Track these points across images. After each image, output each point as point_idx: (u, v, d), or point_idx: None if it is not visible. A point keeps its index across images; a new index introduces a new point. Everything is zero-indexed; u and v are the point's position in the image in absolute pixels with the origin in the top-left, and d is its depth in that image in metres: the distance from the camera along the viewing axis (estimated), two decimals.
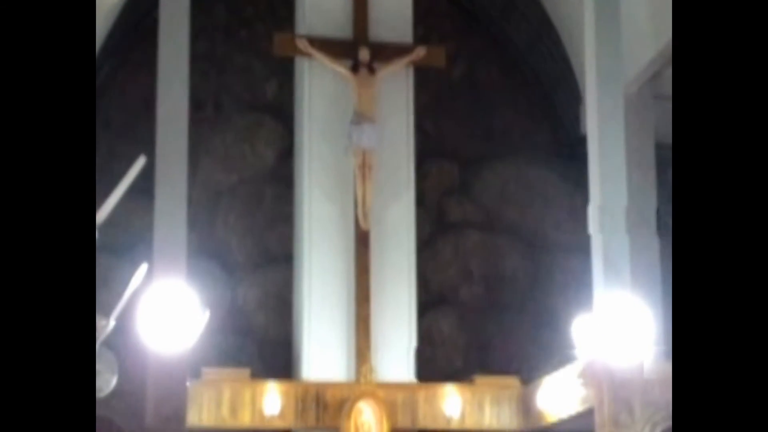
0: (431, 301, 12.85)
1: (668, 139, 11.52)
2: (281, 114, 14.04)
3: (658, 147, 12.67)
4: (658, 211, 12.32)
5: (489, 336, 13.00)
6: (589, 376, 9.54)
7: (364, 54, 12.61)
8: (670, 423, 8.94)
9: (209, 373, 11.00)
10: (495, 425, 11.41)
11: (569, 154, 14.01)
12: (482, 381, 11.57)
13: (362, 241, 12.11)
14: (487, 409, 11.40)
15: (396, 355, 11.65)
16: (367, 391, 10.99)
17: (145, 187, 8.28)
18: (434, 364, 12.07)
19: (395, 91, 13.03)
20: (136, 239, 11.30)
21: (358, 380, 11.17)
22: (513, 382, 11.58)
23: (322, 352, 11.53)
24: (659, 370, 9.35)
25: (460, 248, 13.75)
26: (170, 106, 10.39)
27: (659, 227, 12.30)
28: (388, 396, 11.06)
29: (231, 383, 11.02)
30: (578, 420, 10.16)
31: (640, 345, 9.22)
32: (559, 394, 10.39)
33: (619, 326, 9.13)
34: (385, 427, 10.80)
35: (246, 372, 11.20)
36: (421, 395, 11.35)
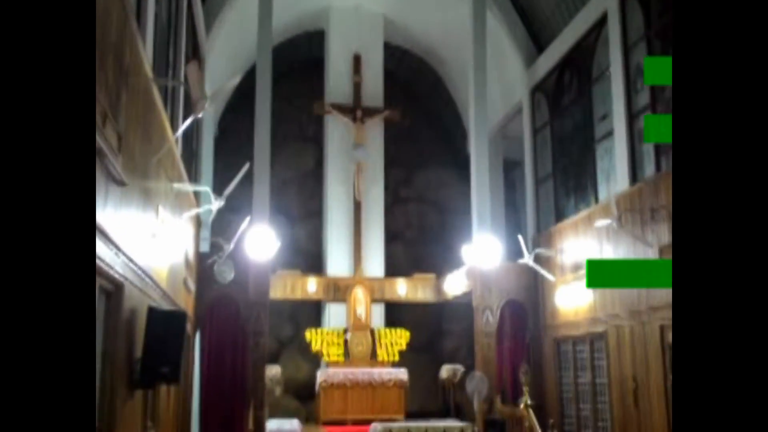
0: (390, 238, 16.22)
1: (512, 158, 15.61)
2: (316, 142, 16.57)
3: (506, 164, 15.92)
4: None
5: (421, 256, 16.66)
6: (470, 273, 13.42)
7: (359, 113, 15.29)
8: (510, 298, 12.04)
9: (280, 273, 14.78)
10: (422, 298, 15.44)
11: (462, 166, 15.49)
12: (417, 277, 15.52)
13: (357, 206, 15.23)
14: (419, 291, 15.44)
15: (374, 263, 15.35)
16: (359, 281, 14.95)
17: (249, 178, 10.94)
18: (393, 268, 15.77)
19: (374, 131, 15.53)
20: (244, 203, 11.73)
21: (354, 276, 15.06)
22: (431, 277, 15.43)
23: (337, 261, 15.18)
24: (503, 268, 11.97)
25: (407, 211, 17.14)
26: (261, 138, 11.78)
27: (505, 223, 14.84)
28: (370, 284, 14.98)
29: (291, 277, 14.82)
30: (464, 297, 14.24)
31: (494, 256, 11.73)
32: (454, 283, 14.39)
33: (484, 249, 12.84)
34: (368, 300, 14.78)
35: (298, 272, 14.94)
36: (386, 283, 15.29)
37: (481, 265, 11.73)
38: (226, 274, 11.05)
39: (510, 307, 12.26)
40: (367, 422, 13.16)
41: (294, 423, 11.04)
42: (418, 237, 16.99)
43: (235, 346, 11.34)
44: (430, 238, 16.95)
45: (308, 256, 15.85)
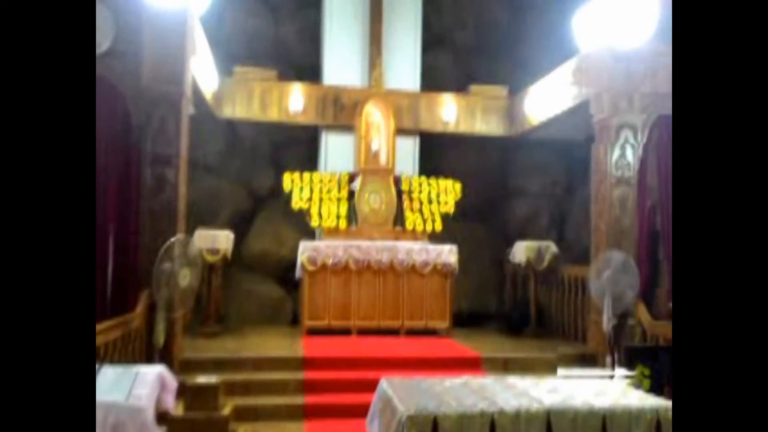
0: (431, 43, 9.57)
1: None
2: None
3: None
4: None
5: (478, 72, 9.86)
6: (587, 70, 7.09)
7: None
8: (666, 110, 6.34)
9: (241, 71, 8.51)
10: (484, 131, 9.16)
11: None
12: (476, 90, 9.14)
13: None
14: (477, 118, 9.12)
15: (403, 74, 8.93)
16: (376, 95, 8.62)
17: None
18: (434, 87, 9.19)
19: None
20: None
21: (369, 86, 8.74)
22: (501, 92, 9.09)
23: (340, 71, 8.75)
24: (659, 58, 6.43)
25: (457, 3, 10.26)
26: None
27: None
28: (395, 101, 8.69)
29: (260, 81, 8.54)
30: (564, 120, 7.90)
31: (641, 34, 6.09)
32: (547, 94, 8.03)
33: (620, 16, 6.42)
34: (391, 127, 8.52)
35: (273, 72, 8.66)
36: (423, 102, 8.96)
37: (613, 46, 6.39)
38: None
39: (665, 131, 6.38)
40: (382, 333, 7.39)
41: (151, 374, 4.31)
42: (474, 42, 10.32)
43: (121, 184, 5.50)
44: (493, 45, 10.26)
45: (299, 69, 9.41)
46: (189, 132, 6.17)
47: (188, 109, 6.06)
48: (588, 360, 6.44)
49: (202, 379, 4.31)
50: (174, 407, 3.83)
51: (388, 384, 3.85)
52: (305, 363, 6.08)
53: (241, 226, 9.19)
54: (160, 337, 4.79)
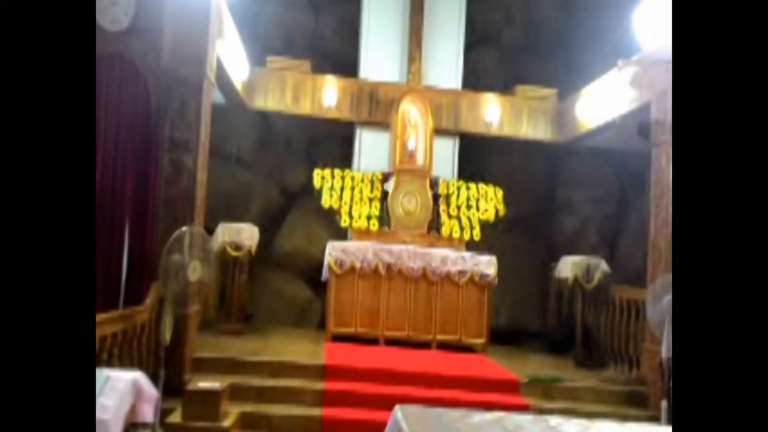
0: (475, 41, 9.05)
1: None
2: None
3: None
4: None
5: (526, 72, 9.21)
6: (648, 70, 6.40)
7: None
8: None
9: (273, 61, 8.11)
10: (530, 135, 8.52)
11: None
12: (522, 91, 8.53)
13: None
14: (523, 121, 8.50)
15: (444, 72, 8.38)
16: (414, 91, 8.09)
17: None
18: (477, 87, 8.63)
19: None
20: None
21: (408, 82, 8.22)
22: (550, 93, 8.44)
23: (378, 66, 8.26)
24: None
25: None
26: None
27: None
28: (434, 99, 8.15)
29: (292, 72, 8.11)
30: (605, 134, 7.24)
31: None
32: (598, 100, 7.41)
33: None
34: (429, 126, 7.98)
35: (307, 64, 8.23)
36: (464, 101, 8.40)
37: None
38: (117, 11, 5.28)
39: None
40: (412, 345, 6.83)
41: (124, 381, 3.60)
42: (522, 41, 9.68)
43: (138, 169, 5.15)
44: (542, 45, 9.62)
45: (336, 63, 8.90)
46: (211, 118, 5.75)
47: (210, 94, 5.64)
48: (639, 399, 5.72)
49: (204, 383, 3.81)
50: (154, 418, 3.31)
51: (403, 413, 3.21)
52: (326, 371, 5.53)
53: (272, 223, 8.76)
54: (166, 333, 4.32)
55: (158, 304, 4.68)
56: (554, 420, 3.39)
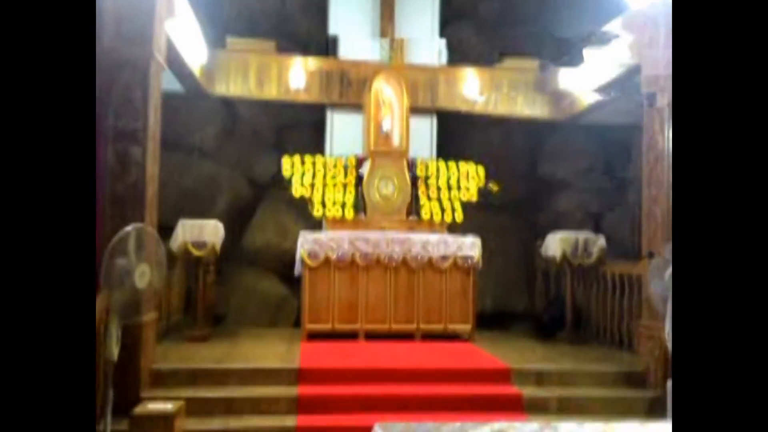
0: (451, 16, 8.46)
1: None
2: None
3: None
4: None
5: (506, 46, 8.67)
6: (637, 28, 5.89)
7: None
8: None
9: (234, 42, 7.53)
10: (507, 111, 8.03)
11: None
12: (505, 66, 7.99)
13: None
14: (506, 93, 7.99)
15: (419, 50, 7.80)
16: (389, 69, 7.56)
17: None
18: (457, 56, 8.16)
19: None
20: None
21: (381, 60, 7.69)
22: (531, 65, 7.92)
23: (348, 35, 7.70)
24: None
25: None
26: None
27: None
28: (409, 76, 7.61)
29: (255, 52, 7.54)
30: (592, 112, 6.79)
31: None
32: (583, 68, 6.91)
33: None
34: (405, 105, 7.46)
35: (271, 44, 7.66)
36: (441, 77, 7.88)
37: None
38: None
39: None
40: (394, 338, 6.41)
41: None
42: (498, 13, 9.11)
43: None
44: (520, 14, 9.05)
45: (305, 46, 8.27)
46: (169, 107, 5.25)
47: (159, 78, 5.08)
48: (637, 379, 5.34)
49: (155, 405, 3.34)
50: None
51: None
52: (300, 375, 5.07)
53: (241, 217, 8.24)
54: (113, 349, 3.82)
55: (104, 314, 4.17)
56: (564, 427, 2.93)
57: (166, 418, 3.26)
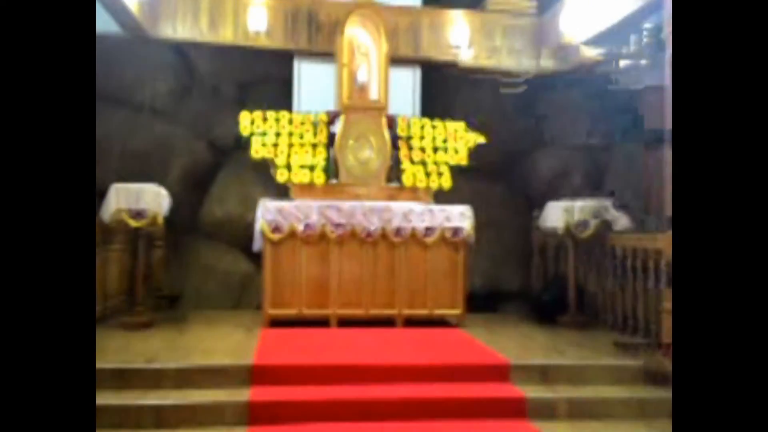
0: None
1: None
2: None
3: None
4: None
5: None
6: None
7: None
8: None
9: None
10: (495, 64, 6.94)
11: None
12: (494, 5, 6.92)
13: None
14: (499, 40, 6.92)
15: None
16: (363, 8, 6.44)
17: None
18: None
19: None
20: None
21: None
22: (528, 5, 6.87)
23: None
24: None
25: None
26: None
27: None
28: (388, 19, 6.51)
29: None
30: (610, 35, 5.77)
31: None
32: (589, 7, 5.88)
33: None
34: (384, 52, 6.35)
35: None
36: (425, 20, 6.77)
37: None
38: None
39: None
40: (372, 324, 5.42)
41: None
42: None
43: None
44: None
45: None
46: (106, 53, 4.03)
47: None
48: (659, 375, 4.40)
49: None
50: None
51: None
52: (254, 374, 4.07)
53: (199, 185, 7.13)
54: None
55: None
56: None
57: None
